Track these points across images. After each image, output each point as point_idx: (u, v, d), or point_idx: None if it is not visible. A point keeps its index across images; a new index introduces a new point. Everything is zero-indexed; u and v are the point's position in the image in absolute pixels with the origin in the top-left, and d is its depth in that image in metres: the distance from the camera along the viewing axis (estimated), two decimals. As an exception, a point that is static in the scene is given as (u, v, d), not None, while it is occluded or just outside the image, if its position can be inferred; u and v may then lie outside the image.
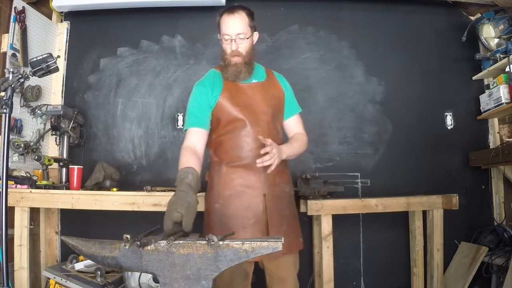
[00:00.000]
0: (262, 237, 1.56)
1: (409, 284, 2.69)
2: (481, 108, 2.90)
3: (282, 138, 1.80)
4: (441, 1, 3.02)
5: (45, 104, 2.68)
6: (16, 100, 2.51)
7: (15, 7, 2.55)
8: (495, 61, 2.72)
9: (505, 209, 2.83)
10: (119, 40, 2.98)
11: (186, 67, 2.96)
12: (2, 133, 1.45)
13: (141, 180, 2.81)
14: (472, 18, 3.01)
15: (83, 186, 2.51)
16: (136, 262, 1.11)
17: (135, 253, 1.09)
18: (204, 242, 1.09)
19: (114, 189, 2.48)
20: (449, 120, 2.96)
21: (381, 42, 3.01)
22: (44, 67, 1.50)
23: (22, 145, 2.47)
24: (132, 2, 2.84)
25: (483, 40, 2.82)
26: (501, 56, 2.67)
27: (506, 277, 2.29)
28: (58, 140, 2.68)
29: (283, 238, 1.10)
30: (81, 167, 2.53)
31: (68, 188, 2.50)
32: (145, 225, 1.29)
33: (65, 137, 2.67)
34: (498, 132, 2.93)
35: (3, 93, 1.42)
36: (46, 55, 1.51)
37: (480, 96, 2.91)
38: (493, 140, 2.93)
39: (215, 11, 1.70)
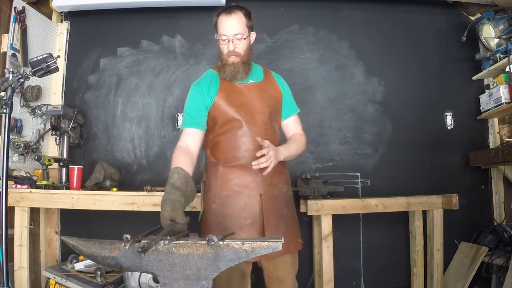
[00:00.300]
0: (262, 237, 1.57)
1: (409, 284, 2.69)
2: (481, 108, 2.90)
3: (280, 139, 1.79)
4: (441, 1, 3.02)
5: (45, 104, 2.69)
6: (16, 100, 2.51)
7: (15, 7, 2.55)
8: (495, 61, 2.72)
9: (505, 209, 2.83)
10: (119, 40, 2.98)
11: (186, 67, 2.96)
12: (2, 133, 1.45)
13: (141, 180, 2.81)
14: (472, 18, 3.01)
15: (83, 186, 2.51)
16: (136, 262, 1.11)
17: (135, 253, 1.09)
18: (204, 242, 1.09)
19: (114, 189, 2.48)
20: (449, 120, 2.95)
21: (381, 42, 3.01)
22: (44, 67, 1.50)
23: (22, 145, 2.47)
24: (132, 2, 2.84)
25: (483, 40, 2.82)
26: (501, 56, 2.67)
27: (506, 277, 2.29)
28: (58, 140, 2.69)
29: (283, 238, 1.10)
30: (81, 167, 2.53)
31: (68, 188, 2.50)
32: (145, 225, 1.29)
33: (65, 137, 2.68)
34: (498, 132, 2.93)
35: (3, 93, 1.42)
36: (46, 55, 1.51)
37: (480, 96, 2.92)
38: (493, 140, 2.93)
39: (215, 11, 1.69)
